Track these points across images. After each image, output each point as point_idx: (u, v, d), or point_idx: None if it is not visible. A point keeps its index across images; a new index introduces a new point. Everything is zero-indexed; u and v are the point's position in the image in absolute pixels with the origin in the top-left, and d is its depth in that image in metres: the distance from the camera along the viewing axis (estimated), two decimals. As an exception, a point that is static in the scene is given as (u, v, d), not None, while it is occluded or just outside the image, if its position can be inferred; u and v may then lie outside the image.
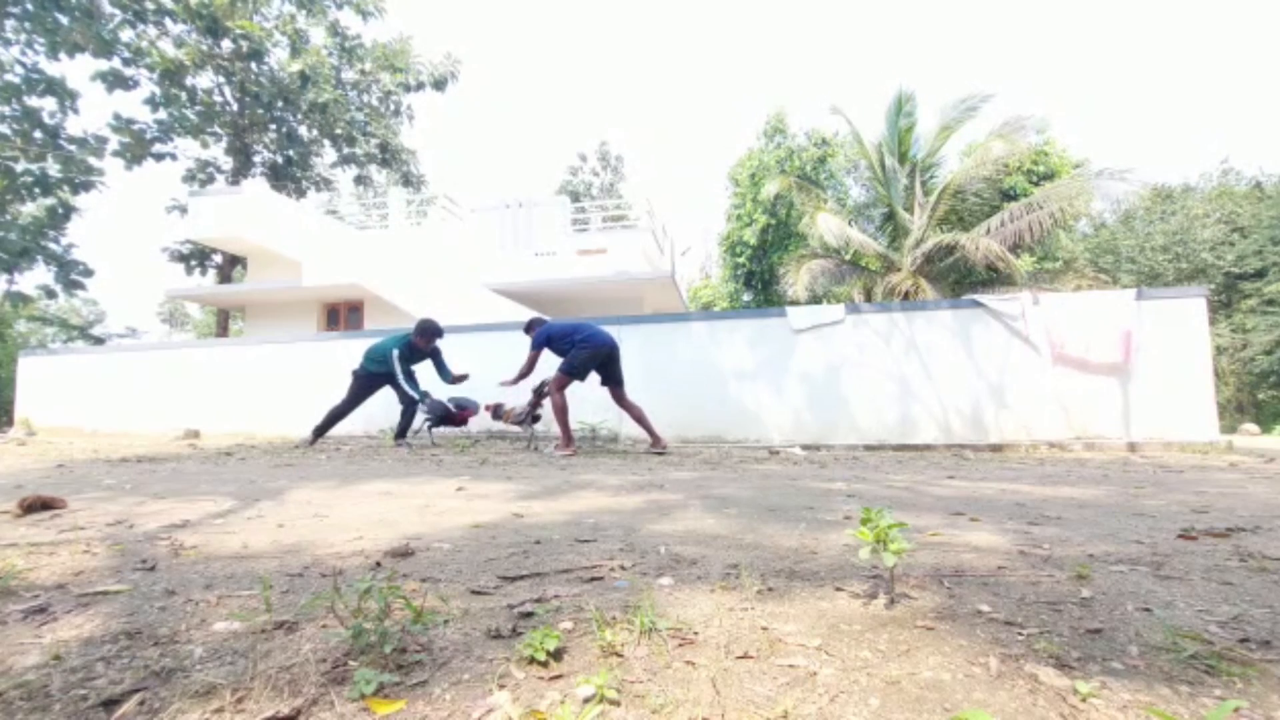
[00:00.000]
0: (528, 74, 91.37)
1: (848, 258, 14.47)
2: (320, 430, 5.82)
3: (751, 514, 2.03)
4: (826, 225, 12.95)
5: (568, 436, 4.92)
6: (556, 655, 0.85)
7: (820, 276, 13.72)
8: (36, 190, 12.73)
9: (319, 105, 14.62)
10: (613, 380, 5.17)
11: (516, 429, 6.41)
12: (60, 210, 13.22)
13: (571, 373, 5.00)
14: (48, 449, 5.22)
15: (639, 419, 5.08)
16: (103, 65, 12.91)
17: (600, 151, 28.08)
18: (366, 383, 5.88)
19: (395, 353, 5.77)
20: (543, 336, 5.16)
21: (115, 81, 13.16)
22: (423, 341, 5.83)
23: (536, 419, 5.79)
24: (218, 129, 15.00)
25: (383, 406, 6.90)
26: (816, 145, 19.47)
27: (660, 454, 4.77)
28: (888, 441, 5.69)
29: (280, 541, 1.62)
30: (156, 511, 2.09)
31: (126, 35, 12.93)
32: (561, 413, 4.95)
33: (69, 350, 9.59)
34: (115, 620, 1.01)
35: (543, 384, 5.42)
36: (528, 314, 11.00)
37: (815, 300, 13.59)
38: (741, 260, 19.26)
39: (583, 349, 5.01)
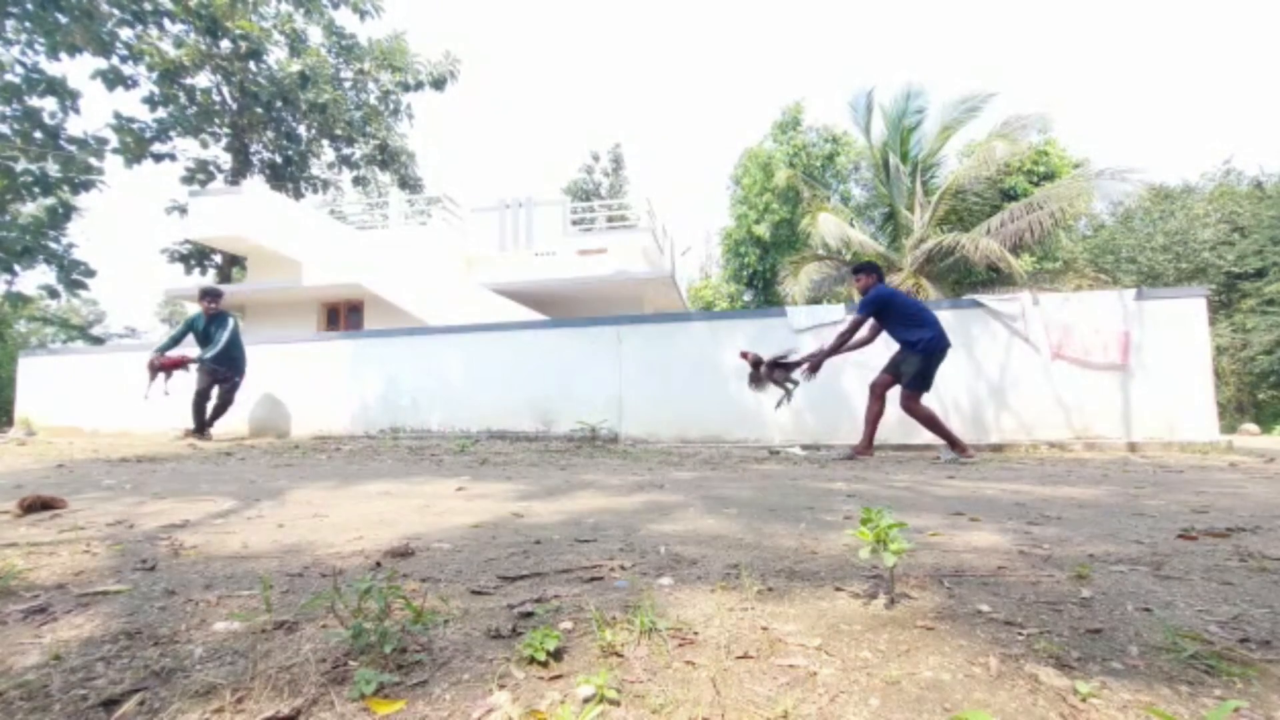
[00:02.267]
0: (527, 74, 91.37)
1: (848, 258, 14.48)
2: (207, 423, 6.38)
3: (751, 514, 2.03)
4: (827, 226, 12.95)
5: (953, 439, 4.35)
6: (556, 655, 0.85)
7: (821, 279, 13.73)
8: (36, 190, 12.73)
9: (318, 105, 14.62)
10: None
11: (517, 429, 6.41)
12: (60, 210, 13.22)
13: (921, 388, 4.40)
14: (48, 449, 5.22)
15: (930, 423, 4.48)
16: (102, 64, 12.92)
17: (613, 153, 28.14)
18: (212, 374, 6.35)
19: (184, 323, 6.45)
20: (878, 301, 4.42)
21: (115, 80, 13.16)
22: (203, 304, 6.37)
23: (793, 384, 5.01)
24: (217, 129, 15.00)
25: (382, 406, 6.91)
26: (827, 141, 19.42)
27: (961, 462, 4.14)
28: (888, 441, 5.68)
29: (280, 541, 1.62)
30: (156, 511, 2.09)
31: (126, 35, 12.93)
32: (930, 421, 4.38)
33: (69, 350, 9.59)
34: (115, 620, 1.01)
35: (782, 362, 4.86)
36: (528, 314, 11.05)
37: (815, 301, 13.59)
38: (747, 259, 19.19)
39: (927, 354, 4.33)
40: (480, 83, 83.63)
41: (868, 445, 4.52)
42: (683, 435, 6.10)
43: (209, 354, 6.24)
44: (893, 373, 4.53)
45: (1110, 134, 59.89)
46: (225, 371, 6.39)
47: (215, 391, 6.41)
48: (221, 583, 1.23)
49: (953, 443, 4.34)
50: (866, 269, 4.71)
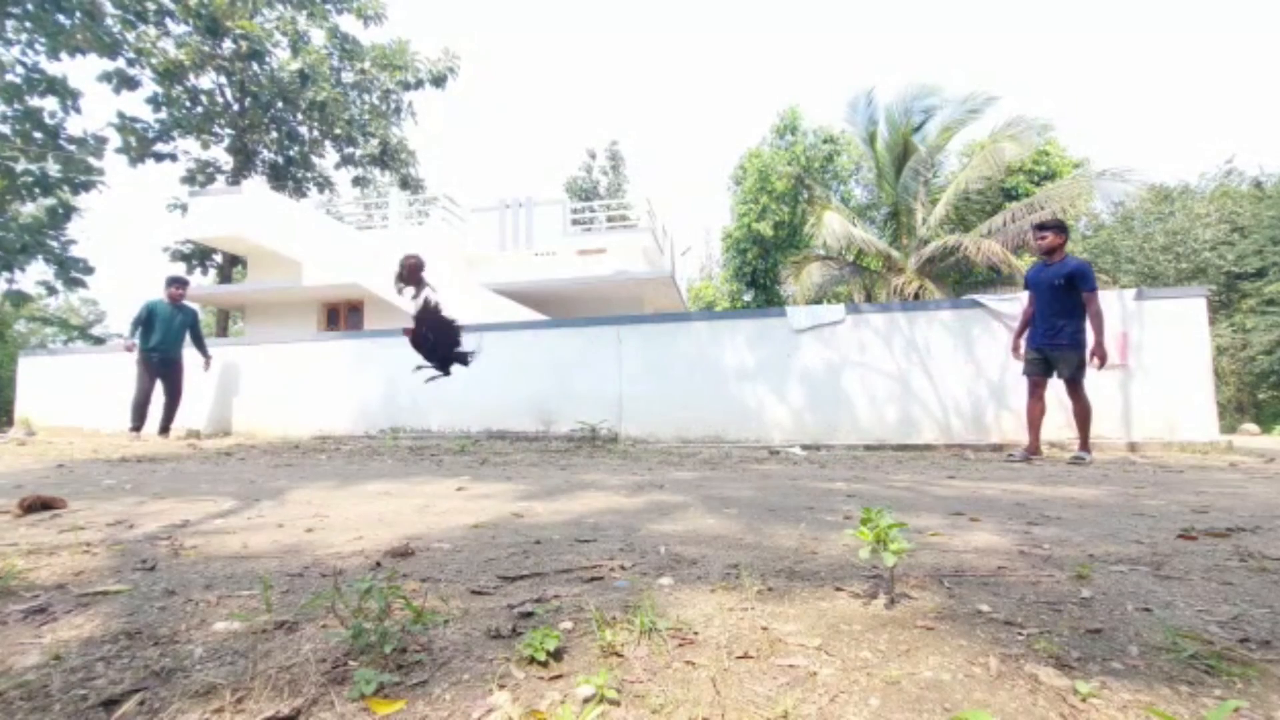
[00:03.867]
0: (527, 75, 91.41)
1: (850, 259, 14.50)
2: (139, 420, 6.42)
3: (752, 514, 2.03)
4: (832, 224, 12.98)
5: (1087, 443, 4.33)
6: (556, 655, 0.85)
7: (823, 279, 13.76)
8: (36, 190, 12.73)
9: (318, 104, 14.62)
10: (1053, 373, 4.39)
11: (517, 429, 6.40)
12: (60, 210, 13.23)
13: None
14: (48, 449, 5.22)
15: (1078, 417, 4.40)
16: (107, 65, 12.94)
17: (610, 150, 28.14)
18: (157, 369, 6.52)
19: (141, 309, 6.48)
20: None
21: (121, 82, 13.19)
22: (172, 292, 6.52)
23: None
24: (219, 129, 15.01)
25: (382, 406, 6.91)
26: (826, 142, 19.41)
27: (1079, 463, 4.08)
28: (888, 441, 5.69)
29: (280, 541, 1.63)
30: (156, 511, 2.09)
31: (128, 35, 12.93)
32: (1088, 412, 4.32)
33: (69, 350, 9.59)
34: (115, 620, 1.01)
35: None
36: (528, 313, 11.05)
37: (817, 301, 13.61)
38: (749, 256, 19.16)
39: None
40: (480, 83, 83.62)
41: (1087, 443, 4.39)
42: (683, 435, 6.10)
43: (155, 344, 6.48)
44: (1048, 368, 4.41)
45: (1110, 134, 59.87)
46: (166, 369, 6.55)
47: (161, 387, 6.55)
48: (221, 583, 1.23)
49: (1085, 443, 4.29)
50: (1058, 226, 4.39)
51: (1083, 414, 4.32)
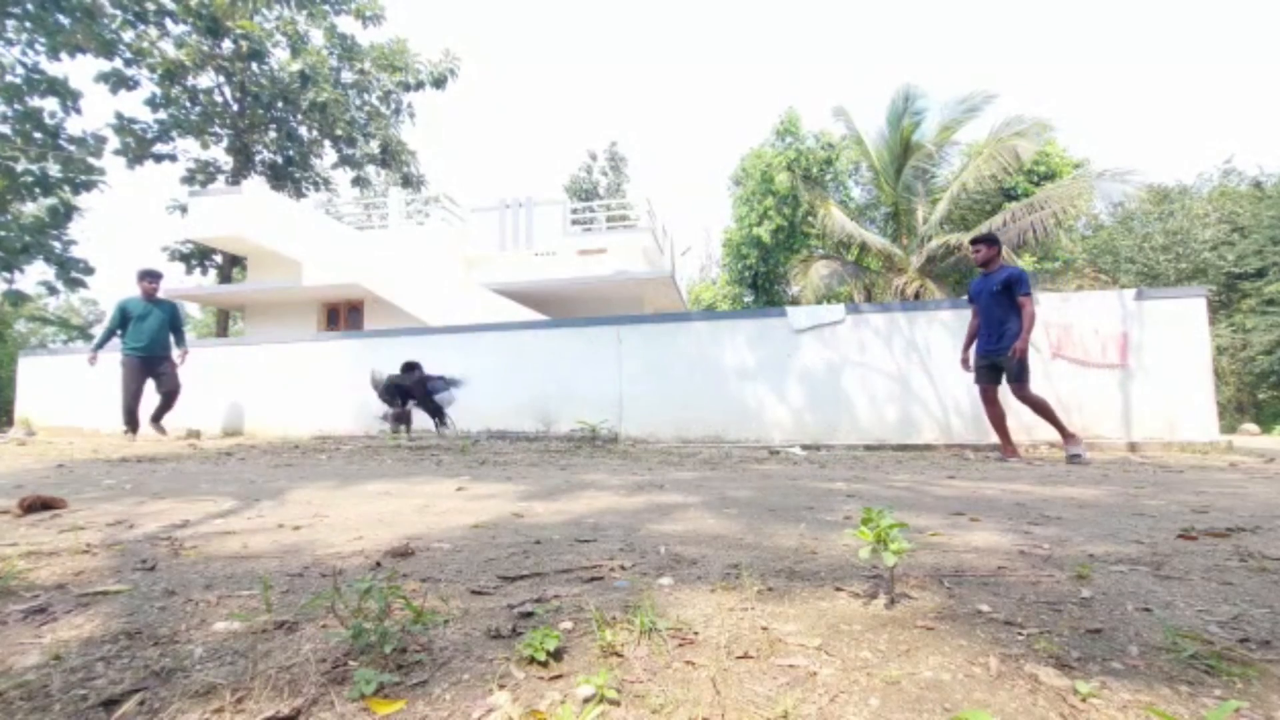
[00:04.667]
0: (526, 75, 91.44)
1: (851, 258, 14.52)
2: (132, 422, 6.12)
3: (752, 514, 2.03)
4: (839, 221, 13.00)
5: (1065, 430, 4.35)
6: (556, 655, 0.85)
7: (826, 278, 13.77)
8: (37, 190, 12.74)
9: (318, 105, 14.63)
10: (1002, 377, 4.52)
11: (517, 429, 6.40)
12: (61, 210, 13.24)
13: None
14: (48, 449, 5.22)
15: (1043, 413, 4.44)
16: (105, 66, 12.95)
17: (610, 151, 28.14)
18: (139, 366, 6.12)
19: (114, 311, 6.11)
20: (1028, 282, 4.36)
21: (119, 82, 13.20)
22: (145, 286, 6.15)
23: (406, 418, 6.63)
24: (218, 129, 15.01)
25: (381, 405, 6.91)
26: (824, 148, 19.42)
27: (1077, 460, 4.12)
28: (888, 441, 5.69)
29: (280, 541, 1.62)
30: (156, 511, 2.09)
31: (127, 35, 12.95)
32: (1045, 407, 4.36)
33: (69, 350, 9.59)
34: (115, 620, 1.01)
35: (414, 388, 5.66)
36: (528, 314, 11.05)
37: (823, 300, 13.63)
38: (749, 260, 19.15)
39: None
40: (480, 83, 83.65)
41: (1009, 445, 4.61)
42: (683, 435, 6.10)
43: (136, 343, 6.05)
44: (996, 374, 4.53)
45: (1110, 134, 59.86)
46: (153, 369, 6.12)
47: (152, 385, 6.15)
48: (221, 583, 1.23)
49: (1065, 435, 4.34)
50: (990, 239, 4.61)
51: (1041, 409, 4.39)
